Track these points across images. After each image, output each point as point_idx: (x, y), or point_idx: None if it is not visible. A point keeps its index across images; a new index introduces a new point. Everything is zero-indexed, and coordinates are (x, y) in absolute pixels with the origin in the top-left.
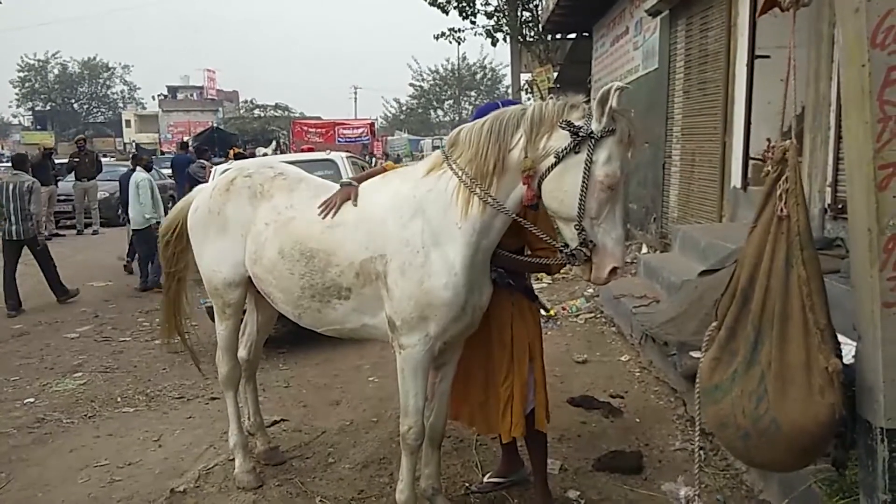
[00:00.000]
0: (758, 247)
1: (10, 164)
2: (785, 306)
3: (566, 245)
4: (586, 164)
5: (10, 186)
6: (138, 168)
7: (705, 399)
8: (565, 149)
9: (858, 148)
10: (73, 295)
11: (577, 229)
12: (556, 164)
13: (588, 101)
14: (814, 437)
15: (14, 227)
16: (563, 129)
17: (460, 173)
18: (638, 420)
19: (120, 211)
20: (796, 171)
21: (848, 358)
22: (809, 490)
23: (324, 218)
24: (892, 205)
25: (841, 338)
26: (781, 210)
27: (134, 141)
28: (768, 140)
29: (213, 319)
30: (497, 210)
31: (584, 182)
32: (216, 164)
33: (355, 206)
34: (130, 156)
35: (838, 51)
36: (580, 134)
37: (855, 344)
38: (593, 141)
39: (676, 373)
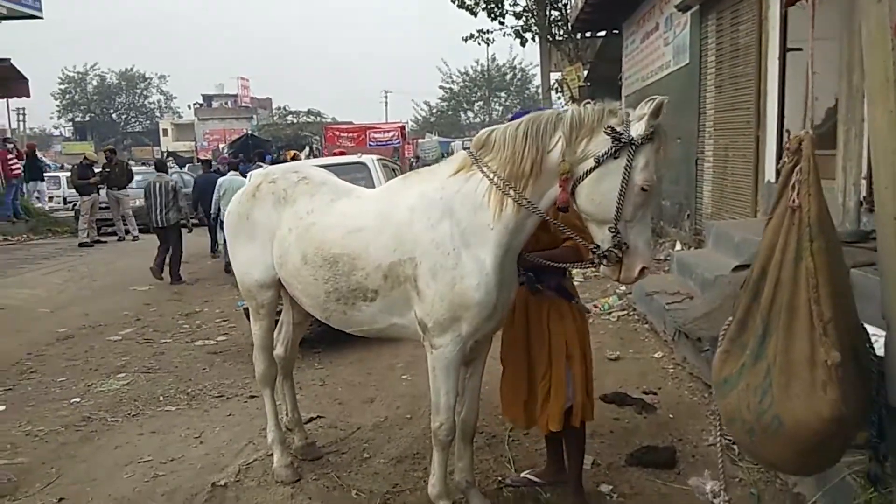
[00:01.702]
0: (771, 239)
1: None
2: (793, 299)
3: (597, 246)
4: (626, 170)
5: (157, 185)
6: (231, 171)
7: (717, 393)
8: (605, 153)
9: (883, 137)
10: (184, 282)
11: (611, 232)
12: (594, 167)
13: (623, 108)
14: (817, 434)
15: (158, 216)
16: (607, 134)
17: (492, 175)
18: (671, 416)
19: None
20: (810, 161)
21: (878, 349)
22: (843, 482)
23: None
24: None
25: (872, 329)
26: (794, 201)
27: (164, 150)
28: (787, 131)
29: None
30: (531, 211)
31: (622, 186)
32: (248, 170)
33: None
34: (163, 160)
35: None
36: (622, 140)
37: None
38: (633, 147)
39: (710, 368)
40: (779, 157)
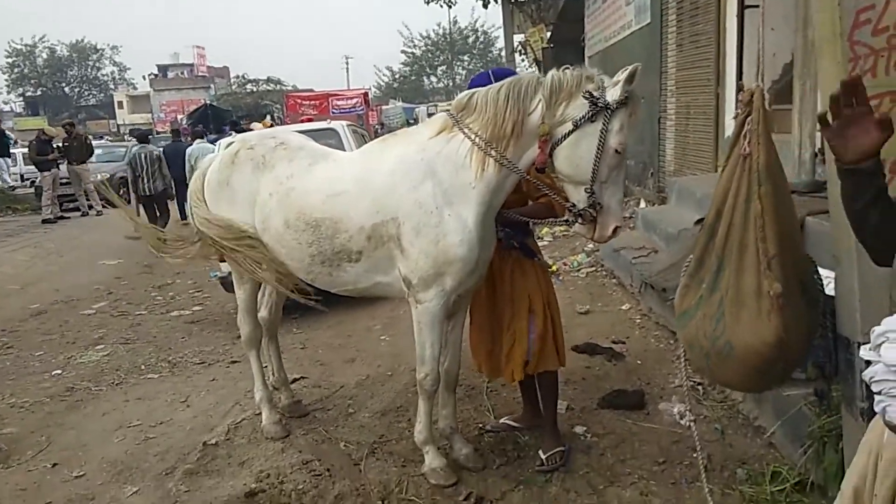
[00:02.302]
0: (725, 184)
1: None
2: (743, 237)
3: (573, 205)
4: (602, 133)
5: (143, 156)
6: (197, 140)
7: (678, 323)
8: (583, 117)
9: (831, 87)
10: None
11: (587, 192)
12: (572, 131)
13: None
14: (762, 357)
15: (147, 185)
16: (585, 98)
17: (474, 136)
18: (639, 362)
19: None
20: (760, 112)
21: (830, 290)
22: (800, 412)
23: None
24: None
25: (823, 271)
26: (745, 149)
27: (126, 124)
28: (741, 85)
29: (225, 290)
30: (511, 171)
31: (599, 149)
32: (211, 142)
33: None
34: (136, 135)
35: None
36: (598, 104)
37: (834, 275)
38: (609, 111)
39: (675, 316)
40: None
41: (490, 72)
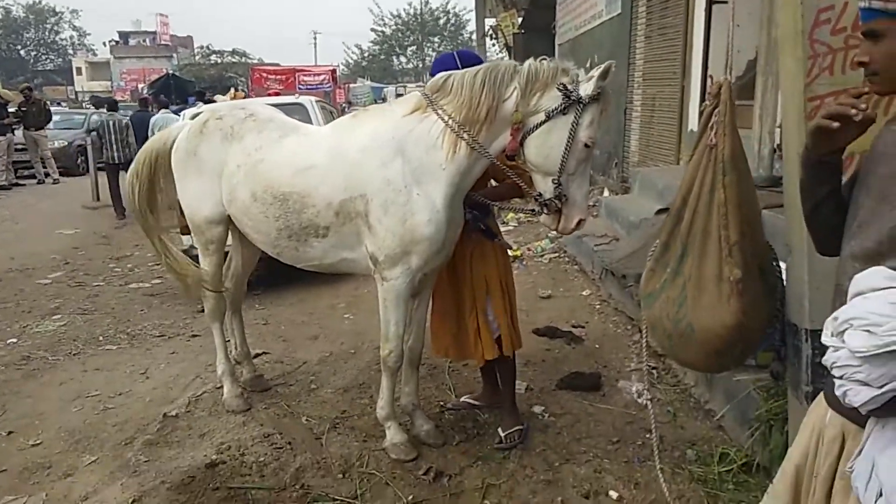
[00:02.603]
0: (692, 173)
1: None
2: (706, 225)
3: (540, 195)
4: (573, 126)
5: (111, 123)
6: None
7: (643, 304)
8: (555, 109)
9: (791, 82)
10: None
11: (554, 183)
12: (544, 121)
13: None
14: (721, 339)
15: (115, 154)
16: (559, 90)
17: (447, 118)
18: (597, 346)
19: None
20: (727, 104)
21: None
22: (749, 396)
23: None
24: None
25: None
26: (711, 139)
27: (84, 91)
28: (710, 76)
29: None
30: (482, 155)
31: (569, 141)
32: (175, 112)
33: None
34: (97, 102)
35: None
36: (571, 97)
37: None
38: (581, 105)
39: (633, 302)
40: (702, 104)
41: (455, 53)
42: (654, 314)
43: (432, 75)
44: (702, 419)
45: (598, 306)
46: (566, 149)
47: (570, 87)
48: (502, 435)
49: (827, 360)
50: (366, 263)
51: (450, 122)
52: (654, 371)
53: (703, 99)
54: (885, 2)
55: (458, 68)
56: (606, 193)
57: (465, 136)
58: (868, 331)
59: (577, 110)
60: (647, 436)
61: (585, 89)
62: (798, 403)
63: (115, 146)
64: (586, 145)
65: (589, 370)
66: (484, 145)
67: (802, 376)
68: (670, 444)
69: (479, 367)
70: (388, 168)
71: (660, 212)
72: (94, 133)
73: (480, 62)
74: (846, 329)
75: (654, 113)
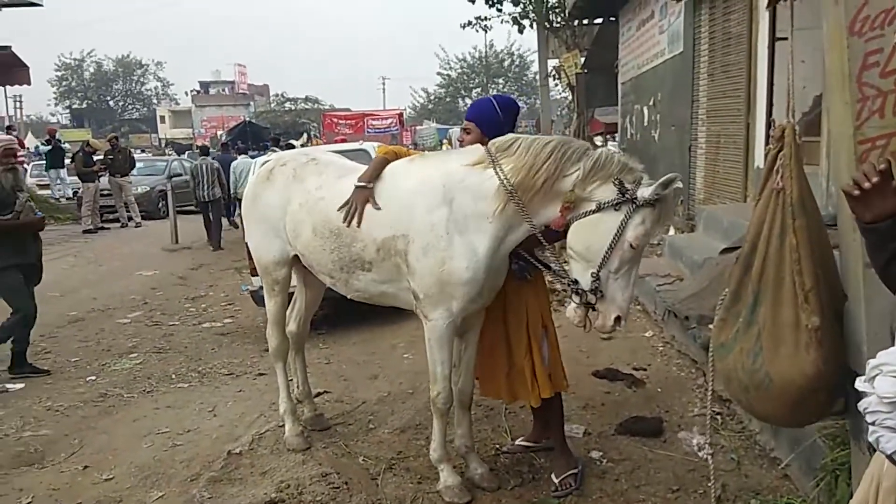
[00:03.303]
0: (759, 218)
1: (198, 151)
2: (778, 271)
3: (575, 281)
4: (622, 223)
5: (203, 166)
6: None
7: (715, 357)
8: (608, 202)
9: (840, 125)
10: (221, 249)
11: (592, 276)
12: (594, 211)
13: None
14: (801, 389)
15: (206, 192)
16: (615, 185)
17: (503, 177)
18: (660, 390)
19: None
20: (792, 147)
21: None
22: (814, 444)
23: (348, 225)
24: None
25: None
26: (778, 183)
27: (167, 138)
28: (773, 120)
29: (256, 303)
30: (524, 220)
31: (615, 237)
32: (253, 157)
33: (377, 208)
34: (178, 149)
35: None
36: (626, 195)
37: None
38: (634, 206)
39: (696, 345)
40: (767, 144)
41: (493, 98)
42: (728, 366)
43: (468, 118)
44: (767, 467)
45: (660, 348)
46: (611, 244)
47: (628, 185)
48: (556, 482)
49: (860, 405)
50: (405, 297)
51: (504, 181)
52: (718, 417)
53: (768, 137)
54: None
55: (496, 112)
56: (672, 232)
57: (516, 198)
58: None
59: (629, 209)
60: (709, 485)
61: (644, 192)
62: (861, 453)
63: (206, 186)
64: (632, 246)
65: (650, 415)
66: (532, 210)
67: (864, 425)
68: (733, 492)
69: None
70: (433, 214)
71: (725, 251)
72: (188, 174)
73: (516, 106)
74: (876, 375)
75: (718, 150)
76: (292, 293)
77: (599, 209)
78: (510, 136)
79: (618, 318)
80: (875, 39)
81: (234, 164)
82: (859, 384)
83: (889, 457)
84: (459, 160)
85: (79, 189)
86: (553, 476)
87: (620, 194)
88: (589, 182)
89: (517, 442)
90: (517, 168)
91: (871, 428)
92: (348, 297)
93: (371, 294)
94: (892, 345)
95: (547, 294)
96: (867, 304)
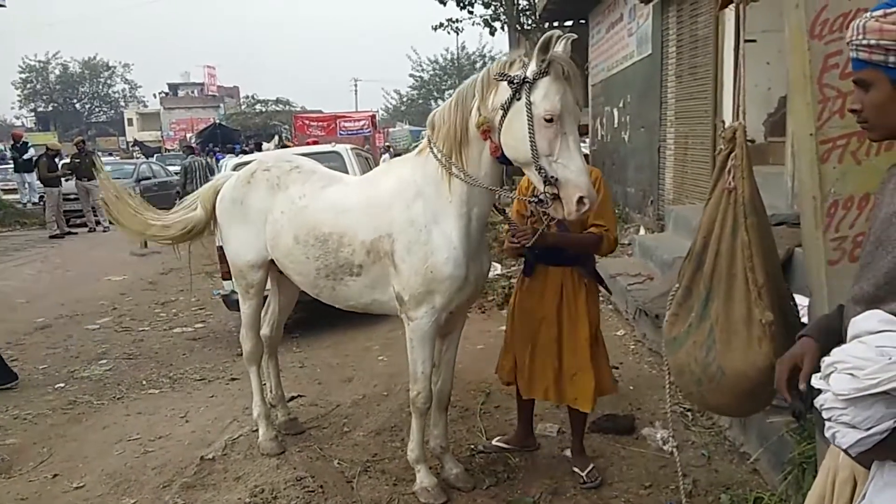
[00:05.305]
0: (710, 216)
1: (182, 151)
2: (731, 267)
3: (534, 196)
4: (527, 107)
5: (195, 163)
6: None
7: (667, 350)
8: (508, 99)
9: (802, 126)
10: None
11: (537, 170)
12: (504, 115)
13: (526, 53)
14: (753, 382)
15: (197, 188)
16: (500, 80)
17: (439, 154)
18: (631, 387)
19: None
20: (743, 148)
21: (805, 317)
22: (782, 439)
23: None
24: (833, 175)
25: (800, 298)
26: (729, 183)
27: (135, 140)
28: (723, 122)
29: (228, 307)
30: (467, 182)
31: (528, 123)
32: (220, 160)
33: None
34: (146, 153)
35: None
36: (515, 81)
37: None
38: (528, 85)
39: None
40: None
41: None
42: (681, 359)
43: None
44: (737, 462)
45: (632, 347)
46: (529, 131)
47: (511, 73)
48: (583, 475)
49: (817, 402)
50: (394, 305)
51: (441, 157)
52: (688, 413)
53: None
54: (868, 53)
55: None
56: (643, 231)
57: (453, 168)
58: (851, 374)
59: (525, 91)
60: (680, 479)
61: (530, 68)
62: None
63: (198, 182)
64: (547, 120)
65: (622, 412)
66: (473, 169)
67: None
68: (704, 487)
69: (518, 405)
70: (410, 209)
71: None
72: (181, 170)
73: None
74: (831, 372)
75: (687, 151)
76: (266, 296)
77: (506, 110)
78: (432, 112)
79: (581, 199)
80: (835, 42)
81: (221, 161)
82: (815, 381)
83: (845, 451)
84: (416, 153)
85: (42, 193)
86: (577, 469)
87: (510, 84)
88: (486, 98)
89: (494, 441)
90: (443, 139)
91: (827, 424)
92: (336, 306)
93: (361, 301)
94: (846, 342)
95: (598, 303)
96: (831, 301)
